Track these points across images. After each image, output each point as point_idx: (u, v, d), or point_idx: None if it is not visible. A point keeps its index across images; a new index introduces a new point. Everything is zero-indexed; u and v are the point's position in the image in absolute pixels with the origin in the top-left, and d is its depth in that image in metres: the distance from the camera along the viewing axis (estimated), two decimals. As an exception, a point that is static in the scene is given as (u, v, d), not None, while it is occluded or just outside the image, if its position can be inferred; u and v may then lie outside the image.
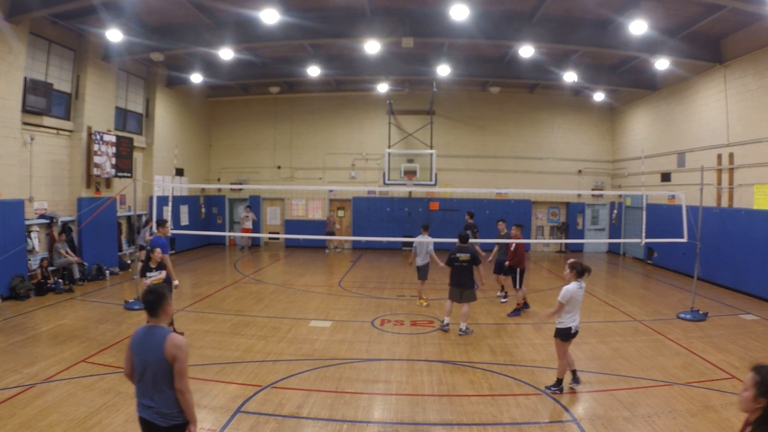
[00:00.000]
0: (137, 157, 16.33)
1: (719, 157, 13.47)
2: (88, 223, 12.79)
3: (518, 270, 10.20)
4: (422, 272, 10.89)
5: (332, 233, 19.64)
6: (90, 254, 13.36)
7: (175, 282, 8.50)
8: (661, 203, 16.15)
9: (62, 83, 12.98)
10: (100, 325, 8.94)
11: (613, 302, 11.56)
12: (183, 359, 3.39)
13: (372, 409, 5.82)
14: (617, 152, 20.41)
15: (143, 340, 3.48)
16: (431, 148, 19.11)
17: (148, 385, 3.46)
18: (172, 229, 10.56)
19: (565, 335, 6.14)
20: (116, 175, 14.44)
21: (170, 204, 11.05)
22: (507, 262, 10.45)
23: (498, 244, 11.28)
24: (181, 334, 7.55)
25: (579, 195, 20.33)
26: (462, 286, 8.78)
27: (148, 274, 7.95)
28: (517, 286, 10.24)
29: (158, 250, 8.09)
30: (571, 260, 6.24)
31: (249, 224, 19.84)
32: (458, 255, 8.75)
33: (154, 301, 3.49)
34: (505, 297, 11.44)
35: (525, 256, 10.44)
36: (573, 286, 6.05)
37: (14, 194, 11.07)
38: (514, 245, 10.29)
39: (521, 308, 10.38)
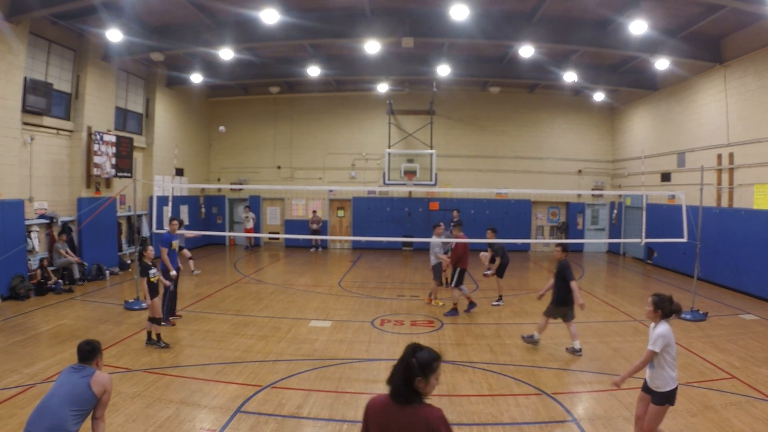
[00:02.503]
0: (137, 157, 16.33)
1: (719, 157, 13.47)
2: (88, 223, 12.78)
3: (458, 269, 10.07)
4: (435, 272, 10.91)
5: (317, 232, 19.50)
6: (90, 254, 13.36)
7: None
8: (661, 203, 16.16)
9: (62, 83, 12.97)
10: (100, 325, 8.94)
11: (613, 302, 11.56)
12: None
13: (372, 409, 5.81)
14: (617, 152, 20.41)
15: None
16: (431, 148, 19.11)
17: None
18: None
19: (669, 399, 4.52)
20: (116, 175, 14.44)
21: (170, 204, 11.03)
22: (452, 263, 10.23)
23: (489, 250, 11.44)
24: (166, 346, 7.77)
25: (579, 195, 20.32)
26: (556, 302, 7.91)
27: (150, 271, 8.01)
28: (453, 285, 10.12)
29: (150, 247, 8.28)
30: (656, 296, 4.64)
31: (251, 224, 19.86)
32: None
33: (89, 351, 3.86)
34: (498, 300, 11.26)
35: (468, 256, 10.26)
36: (666, 327, 4.53)
37: (14, 194, 11.07)
38: (453, 245, 10.22)
39: (469, 307, 10.32)
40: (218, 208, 21.50)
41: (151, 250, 8.16)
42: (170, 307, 9.08)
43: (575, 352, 7.70)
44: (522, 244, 20.20)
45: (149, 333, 7.86)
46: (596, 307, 11.04)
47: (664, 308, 4.56)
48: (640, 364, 4.59)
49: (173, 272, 8.95)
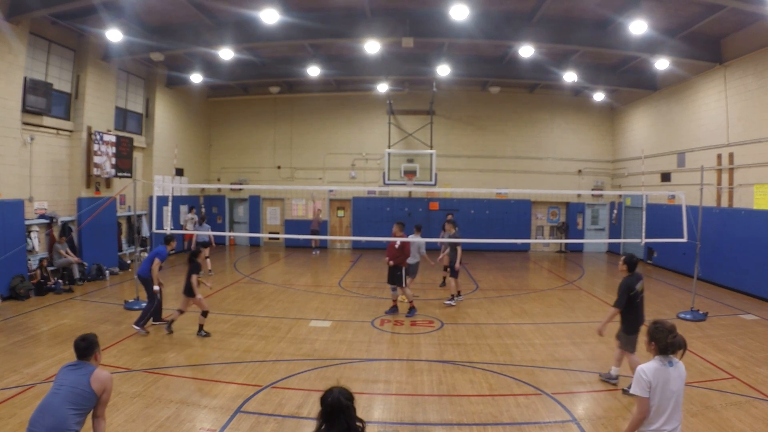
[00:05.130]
0: (137, 157, 16.33)
1: (719, 157, 13.47)
2: (88, 223, 12.78)
3: (402, 269, 9.97)
4: (411, 271, 10.78)
5: (316, 233, 19.48)
6: (90, 254, 13.36)
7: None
8: (661, 203, 16.16)
9: (62, 83, 12.97)
10: (100, 325, 8.94)
11: (613, 302, 11.53)
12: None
13: (372, 409, 5.82)
14: (617, 152, 20.41)
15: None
16: (431, 148, 19.12)
17: None
18: (171, 229, 10.59)
19: None
20: (116, 175, 14.44)
21: (170, 204, 11.03)
22: (391, 261, 10.03)
23: (447, 246, 11.28)
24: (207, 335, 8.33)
25: (579, 195, 20.33)
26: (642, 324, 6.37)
27: (200, 272, 8.78)
28: (404, 285, 10.03)
29: (206, 249, 9.04)
30: (653, 323, 3.57)
31: (190, 226, 16.52)
32: (637, 286, 6.42)
33: (86, 348, 3.82)
34: (451, 299, 10.98)
35: (404, 255, 10.06)
36: (653, 365, 3.46)
37: (14, 194, 11.07)
38: (399, 243, 9.94)
39: (413, 308, 10.19)
40: (218, 208, 21.49)
41: (205, 252, 8.78)
42: (155, 313, 8.97)
43: (610, 378, 6.61)
44: (522, 244, 20.22)
45: (201, 326, 8.51)
46: (596, 307, 11.03)
47: (659, 340, 3.48)
48: (635, 420, 3.51)
49: (156, 288, 8.79)
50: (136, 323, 8.51)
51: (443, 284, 12.80)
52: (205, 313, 8.52)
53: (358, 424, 2.70)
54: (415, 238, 10.80)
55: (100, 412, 3.73)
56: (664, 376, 3.39)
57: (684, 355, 3.50)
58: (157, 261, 8.75)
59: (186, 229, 16.55)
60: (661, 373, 3.40)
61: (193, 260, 8.45)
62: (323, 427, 2.66)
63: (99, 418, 3.73)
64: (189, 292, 8.38)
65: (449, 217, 13.02)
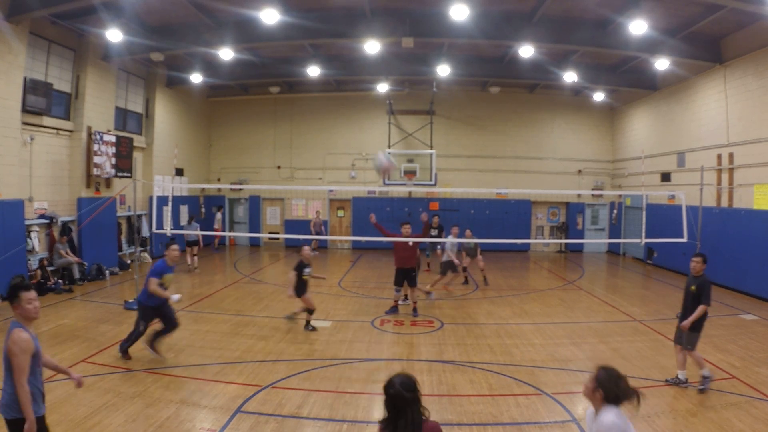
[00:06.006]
0: (137, 157, 16.33)
1: (719, 157, 13.47)
2: (88, 223, 12.78)
3: (416, 268, 10.24)
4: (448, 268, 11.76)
5: (319, 233, 19.46)
6: (90, 254, 13.36)
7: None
8: (661, 203, 16.15)
9: (62, 83, 12.97)
10: (100, 325, 8.94)
11: (613, 302, 11.56)
12: (16, 353, 3.39)
13: (372, 409, 5.82)
14: (617, 152, 20.41)
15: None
16: (431, 148, 19.11)
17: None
18: (171, 229, 10.59)
19: None
20: (116, 175, 14.44)
21: (170, 204, 11.03)
22: (404, 264, 9.94)
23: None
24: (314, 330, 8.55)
25: (579, 195, 20.33)
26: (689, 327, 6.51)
27: (305, 270, 9.01)
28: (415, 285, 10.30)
29: (307, 247, 9.14)
30: (602, 370, 3.09)
31: (218, 227, 19.18)
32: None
33: (9, 291, 3.58)
34: (405, 299, 10.61)
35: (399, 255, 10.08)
36: (614, 418, 2.94)
37: (14, 194, 11.07)
38: (411, 242, 9.88)
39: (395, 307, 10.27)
40: (218, 208, 21.47)
41: (308, 250, 8.91)
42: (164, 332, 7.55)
43: (681, 383, 6.41)
44: (522, 244, 20.21)
45: (307, 321, 8.91)
46: (596, 307, 11.04)
47: (609, 390, 2.99)
48: None
49: (175, 297, 7.34)
50: (122, 345, 7.31)
51: (466, 282, 13.37)
52: (311, 311, 8.99)
53: (424, 414, 2.67)
54: (452, 239, 11.54)
55: (15, 376, 3.37)
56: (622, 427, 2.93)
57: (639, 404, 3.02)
58: (152, 280, 7.10)
59: (216, 230, 18.75)
60: (616, 425, 2.91)
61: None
62: (389, 416, 2.65)
63: (16, 384, 3.36)
64: (300, 291, 8.78)
65: (435, 218, 13.77)
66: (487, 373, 6.95)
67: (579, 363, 7.44)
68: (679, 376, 6.50)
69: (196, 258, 14.96)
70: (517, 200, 20.47)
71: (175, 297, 7.33)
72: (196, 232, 14.79)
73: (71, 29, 12.63)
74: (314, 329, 8.86)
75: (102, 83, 14.11)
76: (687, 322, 6.40)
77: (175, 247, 7.42)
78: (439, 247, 12.84)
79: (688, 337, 6.41)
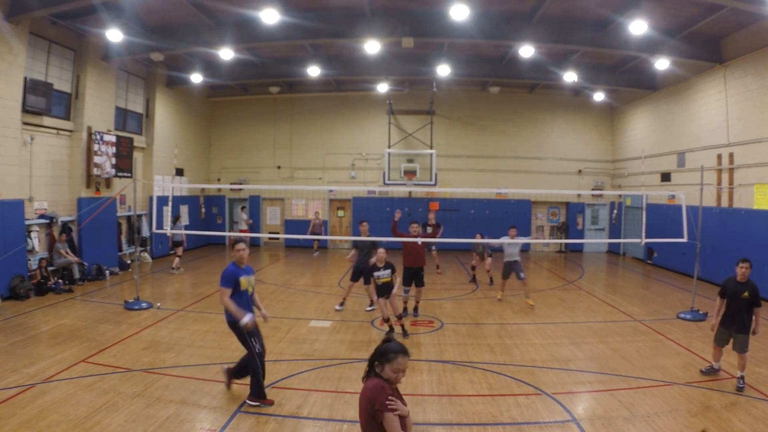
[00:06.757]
0: (137, 157, 16.33)
1: (719, 157, 13.47)
2: (88, 223, 12.79)
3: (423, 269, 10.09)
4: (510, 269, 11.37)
5: (318, 234, 19.40)
6: (90, 254, 13.36)
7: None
8: (661, 203, 16.16)
9: (62, 83, 12.97)
10: (100, 325, 8.94)
11: (613, 302, 11.56)
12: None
13: (372, 409, 5.81)
14: (617, 152, 20.41)
15: None
16: (431, 148, 19.11)
17: None
18: (171, 229, 10.57)
19: None
20: (116, 175, 14.44)
21: (170, 204, 11.03)
22: (416, 263, 9.85)
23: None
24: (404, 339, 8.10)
25: (579, 195, 20.33)
26: (739, 329, 6.60)
27: (376, 273, 8.53)
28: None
29: (381, 249, 8.53)
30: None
31: (244, 225, 19.04)
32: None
33: None
34: (371, 306, 10.36)
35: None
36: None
37: (14, 194, 11.07)
38: (420, 242, 9.95)
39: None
40: (218, 208, 21.51)
41: (381, 252, 8.45)
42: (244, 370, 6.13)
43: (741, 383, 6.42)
44: (522, 244, 20.17)
45: (402, 326, 8.62)
46: (596, 307, 11.04)
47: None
48: None
49: (246, 319, 5.69)
50: (251, 396, 5.85)
51: (491, 282, 13.40)
52: (400, 316, 8.73)
53: (378, 369, 3.09)
54: (511, 240, 11.35)
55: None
56: None
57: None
58: (223, 291, 5.77)
59: (241, 228, 18.85)
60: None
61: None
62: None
63: None
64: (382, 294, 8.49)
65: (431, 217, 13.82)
66: (487, 373, 6.94)
67: (579, 363, 7.44)
68: (714, 367, 6.88)
69: (178, 259, 14.87)
70: (517, 200, 20.47)
71: (246, 318, 5.69)
72: (181, 231, 14.93)
73: (71, 29, 12.63)
74: (406, 335, 8.50)
75: (102, 83, 14.11)
76: (757, 329, 6.61)
77: (240, 246, 6.04)
78: (434, 247, 12.73)
79: (743, 341, 6.52)
